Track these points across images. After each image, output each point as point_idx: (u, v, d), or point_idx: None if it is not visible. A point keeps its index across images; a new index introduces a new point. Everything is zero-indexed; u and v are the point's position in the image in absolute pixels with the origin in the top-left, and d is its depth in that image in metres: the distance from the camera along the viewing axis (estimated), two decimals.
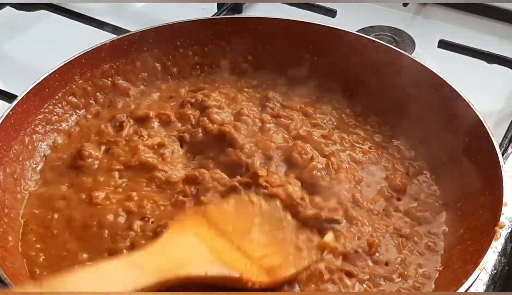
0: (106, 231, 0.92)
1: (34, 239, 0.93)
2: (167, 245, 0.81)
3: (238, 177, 0.98)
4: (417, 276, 0.90)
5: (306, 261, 0.88)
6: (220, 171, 1.00)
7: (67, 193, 0.99)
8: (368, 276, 0.89)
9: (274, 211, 0.93)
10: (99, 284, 0.70)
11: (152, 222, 0.93)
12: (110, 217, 0.93)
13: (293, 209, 0.94)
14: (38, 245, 0.92)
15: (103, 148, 1.06)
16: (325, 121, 1.13)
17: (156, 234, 0.90)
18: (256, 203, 0.94)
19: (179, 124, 1.10)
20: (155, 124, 1.10)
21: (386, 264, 0.91)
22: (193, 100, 1.13)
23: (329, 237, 0.92)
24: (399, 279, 0.90)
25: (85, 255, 0.89)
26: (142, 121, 1.11)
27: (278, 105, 1.15)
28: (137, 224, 0.92)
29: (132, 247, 0.89)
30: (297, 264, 0.87)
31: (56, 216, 0.95)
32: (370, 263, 0.91)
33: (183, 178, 0.99)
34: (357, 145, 1.09)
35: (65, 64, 1.09)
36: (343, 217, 0.94)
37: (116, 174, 1.01)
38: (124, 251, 0.89)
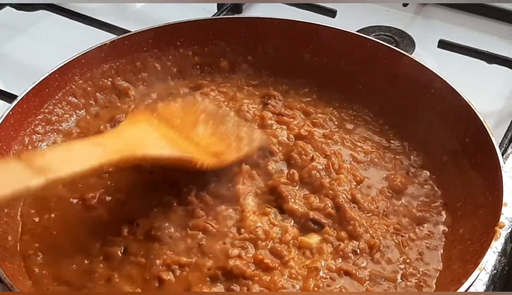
0: (98, 236, 0.92)
1: (32, 238, 0.93)
2: (124, 131, 0.92)
3: None
4: (417, 276, 0.90)
5: (247, 148, 1.00)
6: None
7: (61, 194, 0.99)
8: (368, 276, 0.89)
9: (218, 108, 1.07)
10: (70, 157, 0.81)
11: (137, 225, 0.93)
12: (99, 221, 0.94)
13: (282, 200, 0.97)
14: (36, 244, 0.92)
15: None
16: (326, 120, 1.13)
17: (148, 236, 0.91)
18: (201, 101, 1.06)
19: None
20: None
21: (387, 264, 0.91)
22: None
23: (314, 239, 0.93)
24: (400, 279, 0.90)
25: (81, 257, 0.90)
26: None
27: (280, 103, 1.15)
28: (125, 229, 0.92)
29: (126, 251, 0.90)
30: (239, 150, 0.99)
31: (52, 215, 0.96)
32: (370, 263, 0.91)
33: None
34: (358, 145, 1.09)
35: (65, 64, 1.09)
36: (331, 221, 0.95)
37: (106, 174, 1.01)
38: (119, 254, 0.89)
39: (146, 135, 0.92)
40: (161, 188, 0.98)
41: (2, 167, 0.76)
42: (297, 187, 0.99)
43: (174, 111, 1.01)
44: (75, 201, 0.97)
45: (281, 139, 1.06)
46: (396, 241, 0.94)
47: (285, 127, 1.09)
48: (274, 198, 0.98)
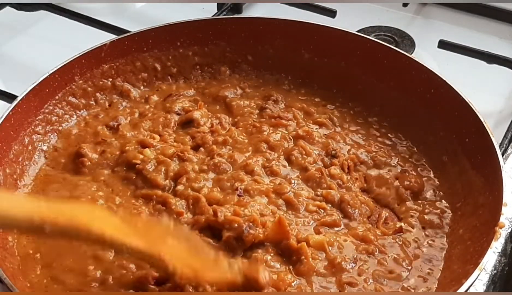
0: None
1: (31, 238, 0.93)
2: (77, 205, 0.84)
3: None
4: (420, 275, 0.90)
5: (230, 274, 0.83)
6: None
7: (59, 193, 0.99)
8: (371, 276, 0.89)
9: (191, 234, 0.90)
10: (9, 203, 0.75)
11: None
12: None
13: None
14: (34, 244, 0.92)
15: (99, 149, 1.06)
16: (327, 120, 1.13)
17: None
18: (168, 225, 0.87)
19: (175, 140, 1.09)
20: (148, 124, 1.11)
21: (389, 264, 0.91)
22: (177, 117, 1.12)
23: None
24: (402, 279, 0.90)
25: (78, 258, 0.90)
26: (142, 122, 1.11)
27: (280, 106, 1.15)
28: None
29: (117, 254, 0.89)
30: (221, 272, 0.83)
31: None
32: (374, 263, 0.91)
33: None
34: (361, 144, 1.09)
35: (65, 64, 1.09)
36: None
37: (102, 177, 1.01)
38: (110, 256, 0.89)
39: (109, 219, 0.79)
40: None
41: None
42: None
43: (138, 221, 0.88)
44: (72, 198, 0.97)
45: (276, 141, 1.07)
46: (399, 241, 0.94)
47: (282, 130, 1.10)
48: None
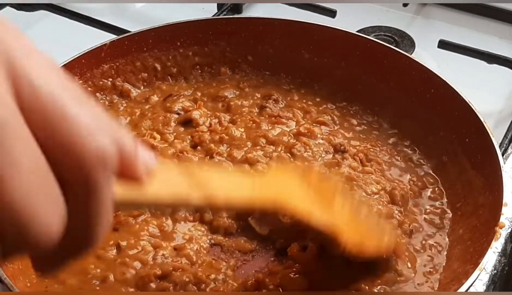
0: None
1: None
2: (274, 174, 0.77)
3: None
4: (420, 275, 0.90)
5: (385, 244, 0.82)
6: None
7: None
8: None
9: (352, 192, 0.91)
10: (225, 182, 0.67)
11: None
12: None
13: None
14: None
15: None
16: (328, 120, 1.13)
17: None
18: (335, 179, 0.91)
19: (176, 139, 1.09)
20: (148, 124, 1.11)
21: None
22: (177, 116, 1.12)
23: None
24: (405, 279, 0.89)
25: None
26: (142, 121, 1.11)
27: (279, 105, 1.15)
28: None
29: (119, 251, 0.90)
30: (380, 244, 0.81)
31: None
32: None
33: None
34: (361, 144, 1.09)
35: (65, 64, 1.09)
36: None
37: None
38: (112, 255, 0.89)
39: (297, 188, 0.76)
40: None
41: (163, 168, 0.59)
42: None
43: (314, 177, 0.81)
44: None
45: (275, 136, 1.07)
46: (403, 241, 0.94)
47: (282, 127, 1.10)
48: None
